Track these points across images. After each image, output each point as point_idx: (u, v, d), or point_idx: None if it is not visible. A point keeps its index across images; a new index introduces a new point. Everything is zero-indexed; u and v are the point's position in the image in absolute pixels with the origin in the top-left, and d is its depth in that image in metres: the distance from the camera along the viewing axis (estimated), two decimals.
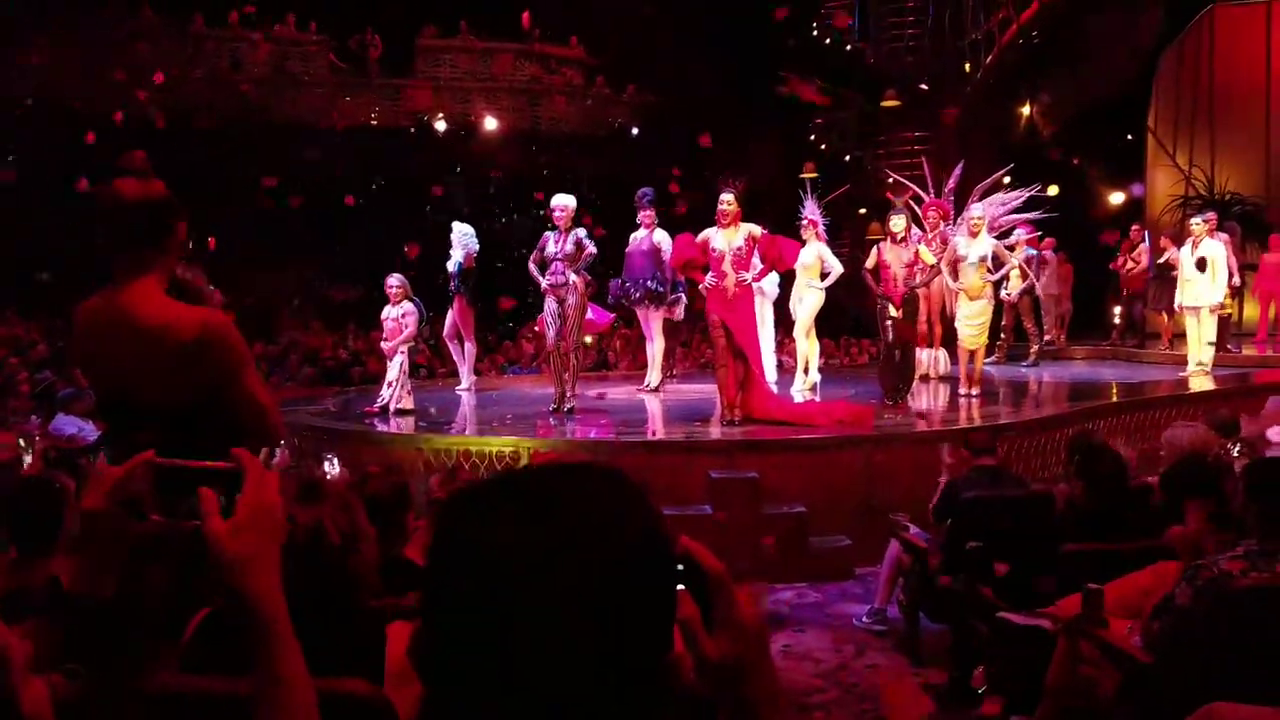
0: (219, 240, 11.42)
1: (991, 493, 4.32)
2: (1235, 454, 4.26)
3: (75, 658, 1.97)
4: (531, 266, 7.73)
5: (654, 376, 9.24)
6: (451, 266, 8.92)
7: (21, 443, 5.71)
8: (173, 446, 2.35)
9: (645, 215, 8.58)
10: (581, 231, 7.56)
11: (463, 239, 9.03)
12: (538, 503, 0.83)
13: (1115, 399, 8.21)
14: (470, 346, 9.29)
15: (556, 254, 7.49)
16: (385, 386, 7.93)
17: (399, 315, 7.93)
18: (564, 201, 7.53)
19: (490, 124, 13.65)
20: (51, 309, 10.66)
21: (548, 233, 7.65)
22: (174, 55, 12.84)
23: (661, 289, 8.57)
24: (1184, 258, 9.46)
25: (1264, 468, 2.89)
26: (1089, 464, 4.00)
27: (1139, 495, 4.02)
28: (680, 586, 0.86)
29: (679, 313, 9.70)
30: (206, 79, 12.88)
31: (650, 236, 8.53)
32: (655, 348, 9.21)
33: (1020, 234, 10.29)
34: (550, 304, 7.59)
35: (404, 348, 7.97)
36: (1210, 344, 9.38)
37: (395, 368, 7.89)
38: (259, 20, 13.24)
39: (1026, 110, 14.62)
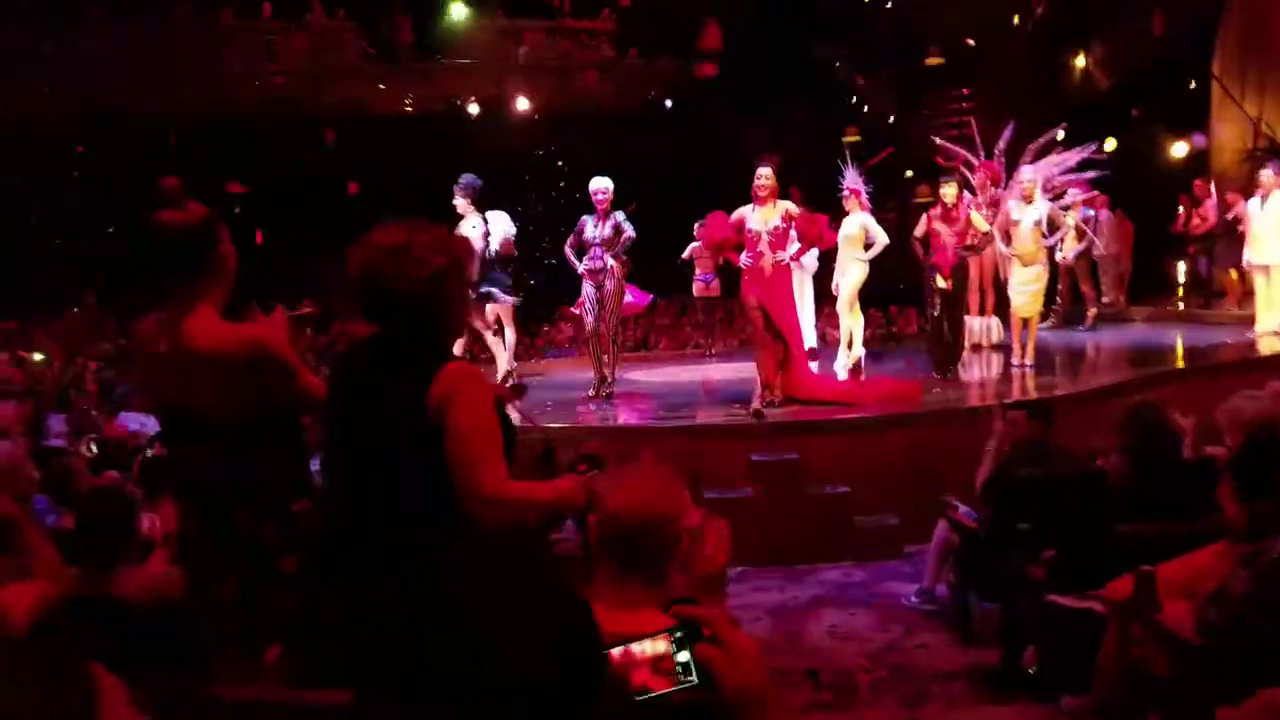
0: (266, 234, 11.61)
1: (1042, 471, 4.19)
2: None
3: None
4: (567, 250, 7.66)
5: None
6: (488, 255, 8.88)
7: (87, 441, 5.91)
8: (229, 456, 2.45)
9: (461, 203, 7.66)
10: (620, 215, 7.44)
11: (499, 225, 8.98)
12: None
13: (1178, 365, 7.86)
14: (510, 333, 9.23)
15: (595, 238, 7.41)
16: None
17: None
18: (603, 184, 7.41)
19: (522, 104, 13.55)
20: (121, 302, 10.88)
21: (585, 216, 7.56)
22: (205, 50, 12.98)
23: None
24: (1253, 212, 9.00)
25: None
26: (1140, 440, 3.80)
27: (1196, 470, 3.84)
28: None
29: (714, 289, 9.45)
30: (243, 73, 12.99)
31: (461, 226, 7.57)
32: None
33: (1075, 194, 9.88)
34: (588, 288, 7.54)
35: None
36: None
37: None
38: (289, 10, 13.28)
39: (1081, 62, 14.01)
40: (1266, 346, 8.45)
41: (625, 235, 7.41)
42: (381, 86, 13.45)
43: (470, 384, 1.99)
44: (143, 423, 6.48)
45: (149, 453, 5.04)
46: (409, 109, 13.62)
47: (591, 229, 7.44)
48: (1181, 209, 11.74)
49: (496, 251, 8.83)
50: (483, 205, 7.71)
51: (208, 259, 2.51)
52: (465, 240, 2.52)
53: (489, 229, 7.67)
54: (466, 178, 7.81)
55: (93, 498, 3.00)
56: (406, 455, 1.95)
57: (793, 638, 4.51)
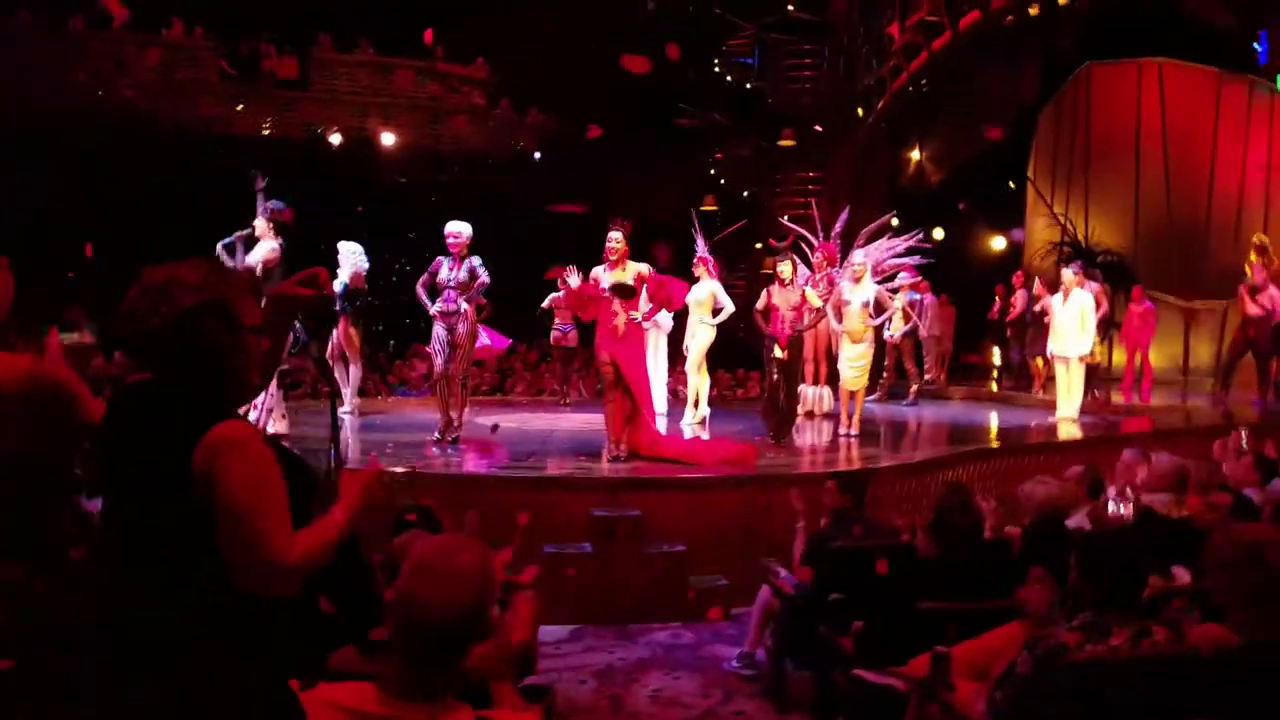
0: (97, 248, 10.81)
1: (854, 542, 4.37)
2: (1122, 512, 4.35)
3: None
4: (419, 290, 7.58)
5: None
6: (337, 286, 8.67)
7: None
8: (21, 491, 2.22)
9: (260, 225, 7.44)
10: (476, 259, 7.45)
11: (350, 257, 8.82)
12: None
13: (988, 445, 8.52)
14: (355, 369, 9.04)
15: (449, 281, 7.38)
16: (251, 408, 7.57)
17: None
18: (459, 228, 7.42)
19: (387, 140, 13.37)
20: None
21: (441, 258, 7.51)
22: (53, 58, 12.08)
23: None
24: (1055, 306, 9.85)
25: (1096, 542, 3.01)
26: (943, 519, 4.09)
27: (996, 549, 4.14)
28: None
29: (572, 339, 9.52)
30: (89, 83, 12.14)
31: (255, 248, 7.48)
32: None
33: (904, 278, 10.66)
34: (439, 330, 7.49)
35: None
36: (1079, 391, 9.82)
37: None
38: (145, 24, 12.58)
39: (916, 155, 15.23)
40: (1065, 431, 9.26)
41: (480, 281, 7.43)
42: (239, 108, 12.88)
43: (237, 450, 1.76)
44: None
45: None
46: (267, 133, 13.10)
47: (446, 271, 7.41)
48: (998, 298, 12.88)
49: (345, 284, 8.67)
50: (284, 232, 7.50)
51: None
52: (238, 278, 2.26)
53: (277, 251, 7.36)
54: (273, 202, 7.62)
55: None
56: (164, 522, 1.76)
57: (616, 702, 4.50)
